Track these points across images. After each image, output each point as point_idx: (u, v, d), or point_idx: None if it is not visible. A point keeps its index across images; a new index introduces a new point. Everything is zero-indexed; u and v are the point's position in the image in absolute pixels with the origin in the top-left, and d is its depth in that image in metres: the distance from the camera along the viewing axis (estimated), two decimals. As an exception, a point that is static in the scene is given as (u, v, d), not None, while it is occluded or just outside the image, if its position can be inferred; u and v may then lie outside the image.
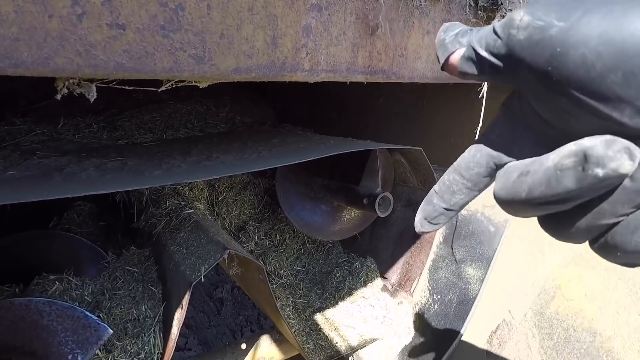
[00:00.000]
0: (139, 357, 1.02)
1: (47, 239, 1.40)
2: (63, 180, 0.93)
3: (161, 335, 1.07)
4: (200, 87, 0.77)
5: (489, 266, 1.31)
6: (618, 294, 1.04)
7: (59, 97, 0.62)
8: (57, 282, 1.20)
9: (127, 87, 0.69)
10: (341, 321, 1.52)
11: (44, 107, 2.07)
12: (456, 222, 1.46)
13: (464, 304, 1.32)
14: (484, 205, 1.41)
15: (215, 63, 0.69)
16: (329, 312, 1.57)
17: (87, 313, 0.93)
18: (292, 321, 1.50)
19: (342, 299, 1.63)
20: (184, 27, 0.64)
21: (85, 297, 1.19)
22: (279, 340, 1.50)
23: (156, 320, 1.10)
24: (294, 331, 1.40)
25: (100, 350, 0.99)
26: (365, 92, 2.15)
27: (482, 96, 1.02)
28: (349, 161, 1.60)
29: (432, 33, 0.95)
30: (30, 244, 1.37)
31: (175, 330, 1.02)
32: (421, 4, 0.90)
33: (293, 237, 1.91)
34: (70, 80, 0.61)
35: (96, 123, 1.85)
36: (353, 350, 1.42)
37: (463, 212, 1.48)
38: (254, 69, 0.74)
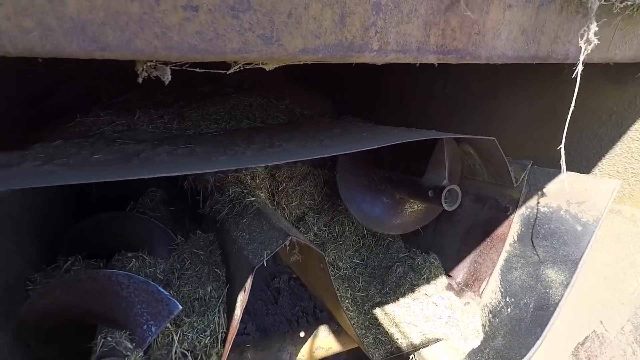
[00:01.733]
0: (205, 334, 1.06)
1: (126, 220, 1.52)
2: (140, 164, 0.99)
3: (225, 315, 1.11)
4: (267, 69, 0.76)
5: (575, 270, 1.17)
6: None
7: (140, 80, 0.65)
8: (133, 259, 1.29)
9: (197, 70, 0.70)
10: (402, 318, 1.46)
11: (122, 101, 2.25)
12: (535, 219, 1.33)
13: (544, 310, 1.19)
14: (569, 201, 1.26)
15: (283, 43, 0.68)
16: (389, 308, 1.52)
17: (160, 289, 0.98)
18: (352, 313, 1.47)
19: (403, 295, 1.57)
20: (253, 7, 0.63)
21: (158, 275, 1.27)
22: (337, 331, 1.48)
23: (220, 300, 1.14)
24: (354, 323, 1.38)
25: (170, 324, 1.05)
26: (429, 81, 2.03)
27: (577, 76, 0.89)
28: (412, 153, 1.53)
29: (514, 7, 0.85)
30: (111, 224, 1.50)
31: (238, 312, 1.04)
32: (504, -27, 0.81)
33: (352, 229, 1.88)
34: (148, 64, 0.64)
35: (167, 115, 1.97)
36: (415, 348, 1.35)
37: (542, 208, 1.34)
38: (322, 50, 0.72)
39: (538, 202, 1.35)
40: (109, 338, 0.95)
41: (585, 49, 0.85)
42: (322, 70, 2.95)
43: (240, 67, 0.74)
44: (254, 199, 1.44)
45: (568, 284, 1.15)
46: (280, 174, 1.84)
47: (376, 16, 0.73)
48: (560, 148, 0.99)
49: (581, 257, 1.15)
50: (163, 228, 1.51)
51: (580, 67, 0.86)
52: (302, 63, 0.77)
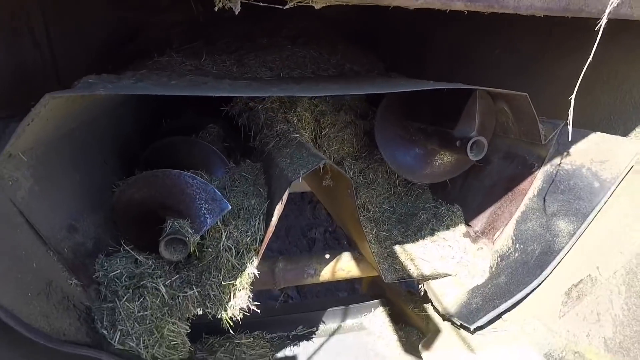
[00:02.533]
0: (247, 234, 1.30)
1: (190, 145, 1.78)
2: (207, 88, 1.21)
3: (264, 222, 1.34)
4: (316, 7, 0.92)
5: (583, 222, 1.25)
6: None
7: (215, 9, 0.84)
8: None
9: (261, 4, 0.87)
10: (418, 254, 1.62)
11: (190, 47, 2.52)
12: (555, 175, 1.40)
13: (547, 255, 1.30)
14: (592, 160, 1.32)
15: (328, -17, 0.83)
16: (408, 246, 1.69)
17: (216, 190, 1.23)
18: (373, 245, 1.66)
19: (422, 237, 1.72)
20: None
21: (213, 189, 1.52)
22: (359, 259, 1.69)
23: (261, 211, 1.37)
24: (373, 252, 1.56)
25: (220, 222, 1.30)
26: (479, 43, 2.05)
27: (599, 30, 0.95)
28: (448, 107, 1.62)
29: (549, -42, 0.92)
30: (178, 147, 1.77)
31: (275, 219, 1.27)
32: None
33: (385, 178, 2.03)
34: (223, -7, 0.82)
35: (229, 60, 2.20)
36: (424, 278, 1.52)
37: (566, 166, 1.40)
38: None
39: (563, 160, 1.41)
40: (175, 223, 1.22)
41: (612, 2, 0.90)
42: (375, 29, 3.01)
43: (294, 3, 0.90)
44: (298, 135, 1.64)
45: (574, 233, 1.24)
46: (324, 120, 2.01)
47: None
48: (571, 99, 1.05)
49: (591, 211, 1.23)
50: (219, 154, 1.76)
51: (604, 20, 0.92)
52: (344, 4, 0.91)
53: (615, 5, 0.92)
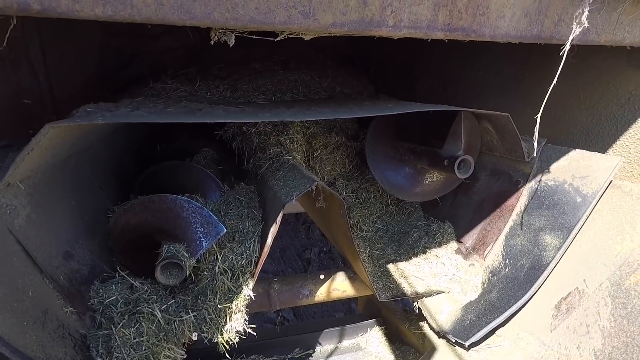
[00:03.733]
0: (242, 257, 1.32)
1: (185, 169, 1.81)
2: (202, 115, 1.25)
3: (259, 245, 1.36)
4: (305, 39, 0.97)
5: (568, 236, 1.29)
6: None
7: (212, 42, 0.89)
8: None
9: (254, 37, 0.93)
10: (411, 272, 1.65)
11: (185, 73, 2.58)
12: (542, 191, 1.45)
13: (536, 269, 1.33)
14: (574, 176, 1.37)
15: (317, 18, 0.89)
16: (401, 264, 1.71)
17: (211, 214, 1.25)
18: (367, 264, 1.68)
19: (415, 255, 1.75)
20: (297, -11, 0.84)
21: (208, 212, 1.55)
22: (353, 278, 1.70)
23: (256, 233, 1.39)
24: (367, 271, 1.58)
25: (215, 245, 1.32)
26: (464, 65, 2.14)
27: (563, 55, 1.02)
28: (435, 128, 1.68)
29: (519, -9, 0.99)
30: (173, 171, 1.80)
31: (269, 241, 1.29)
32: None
33: (377, 197, 2.07)
34: (220, 31, 0.87)
35: (222, 85, 2.26)
36: (418, 295, 1.54)
37: (549, 182, 1.45)
38: (347, 24, 0.92)
39: (546, 177, 1.46)
40: (171, 247, 1.24)
41: (574, 31, 0.97)
42: (364, 53, 3.12)
43: (285, 36, 0.95)
44: (291, 157, 1.68)
45: (560, 247, 1.28)
46: (316, 141, 2.06)
47: (392, -2, 0.91)
48: (537, 117, 1.12)
49: (575, 225, 1.28)
50: (214, 177, 1.79)
51: (567, 47, 0.99)
52: (332, 35, 0.97)
53: (578, 33, 0.99)
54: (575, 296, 1.18)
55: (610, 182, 1.30)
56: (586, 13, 0.95)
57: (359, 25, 0.92)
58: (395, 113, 1.27)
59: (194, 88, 2.19)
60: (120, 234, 1.36)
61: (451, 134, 1.56)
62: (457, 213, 1.82)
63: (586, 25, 0.97)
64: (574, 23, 0.99)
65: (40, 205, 1.12)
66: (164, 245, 1.24)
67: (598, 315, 1.11)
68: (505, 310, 1.30)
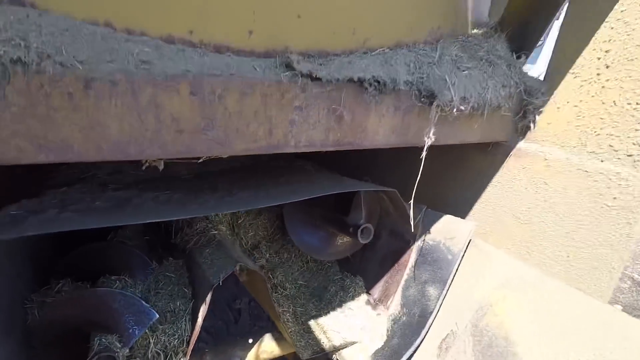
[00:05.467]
0: (174, 337, 1.44)
1: (109, 249, 1.86)
2: (133, 210, 1.38)
3: (190, 323, 1.49)
4: (224, 157, 1.20)
5: (444, 287, 1.65)
6: (525, 310, 1.36)
7: (143, 168, 1.07)
8: (117, 281, 1.64)
9: (181, 162, 1.13)
10: (330, 326, 1.88)
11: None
12: (425, 250, 1.82)
13: (424, 317, 1.66)
14: (445, 237, 1.76)
15: (232, 146, 1.12)
16: (321, 319, 1.94)
17: (143, 302, 1.36)
18: (290, 324, 1.87)
19: (333, 309, 1.99)
20: (216, 127, 1.08)
21: (137, 294, 1.63)
22: (279, 338, 1.88)
23: (187, 312, 1.52)
24: (290, 332, 1.78)
25: (148, 330, 1.42)
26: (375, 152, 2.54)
27: (422, 159, 1.40)
28: (341, 197, 1.99)
29: (386, 116, 1.35)
30: (96, 252, 1.84)
31: (200, 320, 1.43)
32: (376, 96, 1.30)
33: (298, 256, 2.31)
34: (150, 160, 1.06)
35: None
36: (335, 349, 1.77)
37: (430, 242, 1.83)
38: (257, 149, 1.17)
39: (428, 237, 1.84)
40: (103, 340, 1.31)
41: (428, 141, 1.36)
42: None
43: (207, 157, 1.17)
44: (216, 232, 1.85)
45: (439, 297, 1.63)
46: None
47: (292, 127, 1.19)
48: (410, 202, 1.48)
49: (448, 278, 1.64)
50: (141, 255, 1.87)
51: (424, 153, 1.37)
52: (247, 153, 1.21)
53: (431, 140, 1.38)
54: (451, 337, 1.52)
55: (470, 241, 1.70)
56: (433, 129, 1.34)
57: (267, 149, 1.18)
58: (301, 199, 1.53)
59: (120, 166, 2.25)
60: (46, 329, 1.38)
61: (354, 205, 1.88)
62: (366, 267, 2.13)
63: (432, 138, 1.35)
64: (426, 137, 1.38)
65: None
66: (95, 339, 1.31)
67: (464, 353, 1.44)
68: (403, 355, 1.59)
